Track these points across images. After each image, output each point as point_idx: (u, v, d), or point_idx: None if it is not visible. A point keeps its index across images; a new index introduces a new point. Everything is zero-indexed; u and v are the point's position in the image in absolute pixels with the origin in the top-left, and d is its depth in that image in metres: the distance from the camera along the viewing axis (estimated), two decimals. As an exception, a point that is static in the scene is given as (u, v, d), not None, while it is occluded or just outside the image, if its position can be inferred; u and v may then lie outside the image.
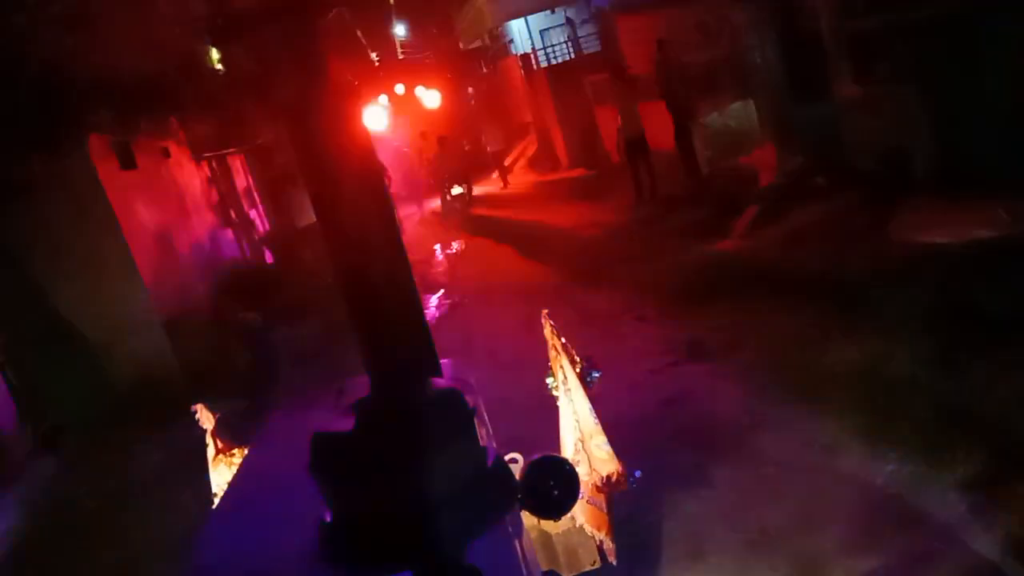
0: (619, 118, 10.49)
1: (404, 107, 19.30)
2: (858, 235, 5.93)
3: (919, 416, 3.65)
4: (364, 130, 1.14)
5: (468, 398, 0.97)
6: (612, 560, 2.77)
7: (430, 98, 18.88)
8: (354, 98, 1.14)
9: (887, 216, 5.88)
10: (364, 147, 1.11)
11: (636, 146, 10.23)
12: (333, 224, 1.06)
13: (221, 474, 2.27)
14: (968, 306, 4.41)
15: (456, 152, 16.86)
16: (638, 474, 2.84)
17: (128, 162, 8.02)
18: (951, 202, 5.61)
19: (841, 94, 7.39)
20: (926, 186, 6.05)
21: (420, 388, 0.95)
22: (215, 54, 7.63)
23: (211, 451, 2.38)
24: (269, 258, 11.70)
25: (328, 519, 0.90)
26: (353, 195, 1.05)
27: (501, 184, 17.96)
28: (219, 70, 7.48)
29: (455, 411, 0.89)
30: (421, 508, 0.84)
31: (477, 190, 17.47)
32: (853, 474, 3.43)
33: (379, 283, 1.05)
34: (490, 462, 0.92)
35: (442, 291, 9.17)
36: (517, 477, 1.81)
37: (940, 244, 5.24)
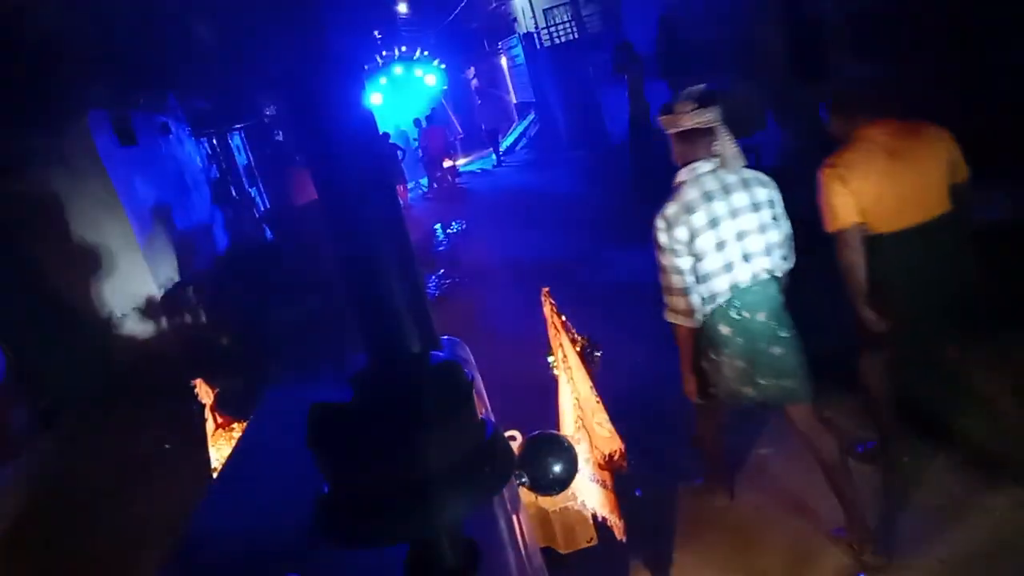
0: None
1: (405, 87, 19.48)
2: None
3: (917, 398, 3.65)
4: (364, 106, 1.12)
5: (466, 371, 0.96)
6: (621, 538, 2.77)
7: (429, 79, 19.02)
8: (355, 73, 1.12)
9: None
10: (365, 122, 1.10)
11: (639, 125, 10.18)
12: (333, 200, 1.05)
13: (221, 449, 2.27)
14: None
15: (440, 131, 17.04)
16: (630, 463, 2.84)
17: (127, 138, 7.98)
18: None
19: (843, 75, 7.34)
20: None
21: (419, 361, 0.94)
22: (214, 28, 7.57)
23: (210, 426, 2.39)
24: (269, 235, 11.68)
25: (325, 492, 0.89)
26: (353, 171, 1.04)
27: (495, 163, 18.16)
28: (218, 44, 7.43)
29: (454, 384, 0.88)
30: (419, 480, 0.83)
31: (473, 167, 17.72)
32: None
33: (378, 259, 1.03)
34: (488, 435, 0.91)
35: (442, 270, 9.16)
36: (515, 454, 1.82)
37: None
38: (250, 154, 12.64)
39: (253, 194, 12.17)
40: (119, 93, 7.45)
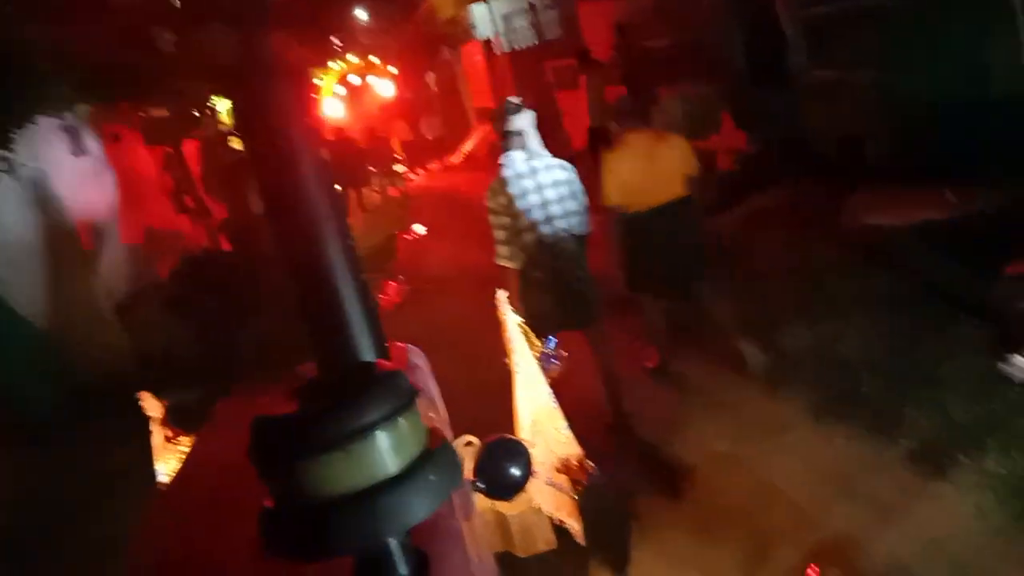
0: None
1: (361, 96, 19.35)
2: (813, 219, 6.04)
3: (868, 394, 3.75)
4: (314, 114, 1.11)
5: (415, 380, 0.97)
6: (581, 541, 2.81)
7: (384, 87, 18.90)
8: (303, 80, 1.12)
9: (842, 201, 5.99)
10: (313, 130, 1.10)
11: (597, 133, 10.25)
12: (279, 209, 1.05)
13: (168, 463, 2.24)
14: (916, 286, 4.53)
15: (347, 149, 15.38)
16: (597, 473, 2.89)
17: (78, 147, 7.82)
18: (903, 186, 5.73)
19: (799, 80, 7.49)
20: (880, 171, 6.17)
21: (364, 370, 0.94)
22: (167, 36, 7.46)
23: (158, 440, 2.35)
24: (226, 245, 11.51)
25: (269, 505, 0.89)
26: (299, 179, 1.04)
27: (440, 168, 18.31)
28: (171, 53, 7.31)
29: (397, 392, 0.88)
30: (361, 490, 0.83)
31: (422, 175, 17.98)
32: (803, 450, 3.51)
33: (326, 268, 1.03)
34: (435, 443, 0.92)
35: (400, 276, 9.12)
36: (472, 460, 1.82)
37: (890, 227, 5.35)
38: (206, 163, 12.45)
39: (210, 204, 11.99)
40: (69, 102, 7.29)
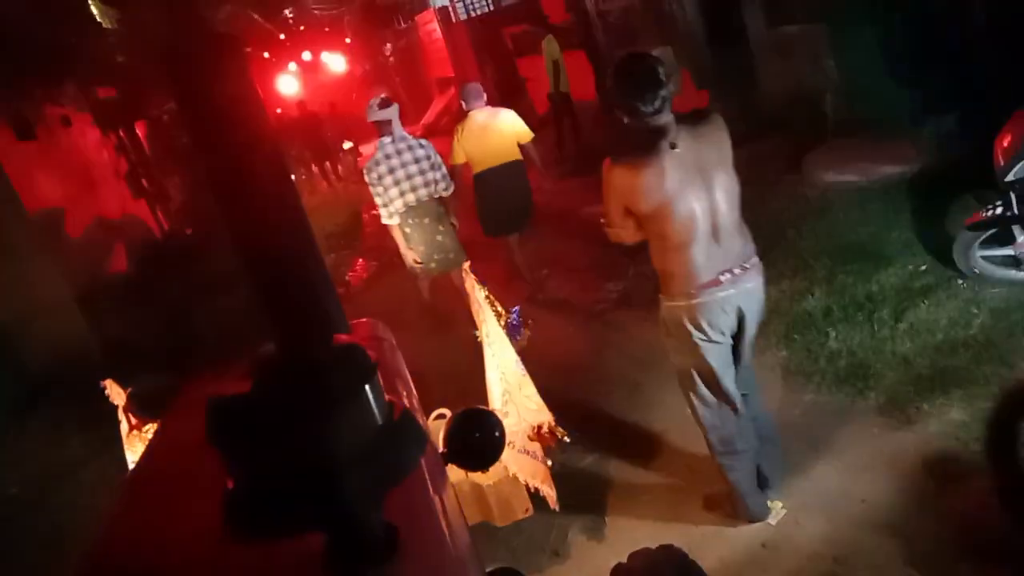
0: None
1: (315, 71, 18.98)
2: (772, 178, 6.06)
3: (832, 348, 3.80)
4: (254, 88, 1.08)
5: (379, 354, 0.94)
6: (554, 507, 2.83)
7: (335, 63, 18.56)
8: (240, 54, 1.08)
9: (800, 158, 6.02)
10: (254, 104, 1.05)
11: (560, 98, 10.18)
12: (225, 189, 1.01)
13: (135, 450, 2.20)
14: (877, 241, 4.58)
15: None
16: (570, 438, 2.90)
17: (25, 132, 7.57)
18: (861, 141, 5.78)
19: (756, 38, 7.48)
20: (838, 127, 6.22)
21: (320, 346, 0.92)
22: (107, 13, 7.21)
23: (124, 427, 2.30)
24: (187, 229, 11.30)
25: (232, 486, 0.86)
26: (244, 158, 1.00)
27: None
28: (113, 29, 7.07)
29: (354, 365, 0.86)
30: (324, 466, 0.81)
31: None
32: (771, 407, 3.55)
33: (278, 246, 1.00)
34: (397, 415, 0.90)
35: (366, 253, 9.03)
36: (444, 432, 1.81)
37: (850, 182, 5.40)
38: (161, 145, 12.16)
39: (168, 186, 11.73)
40: (12, 84, 7.03)
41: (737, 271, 2.56)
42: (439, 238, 5.21)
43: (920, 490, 2.82)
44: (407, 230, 5.13)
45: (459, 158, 5.37)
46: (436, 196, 5.13)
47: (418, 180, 5.02)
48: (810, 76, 6.65)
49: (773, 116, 7.03)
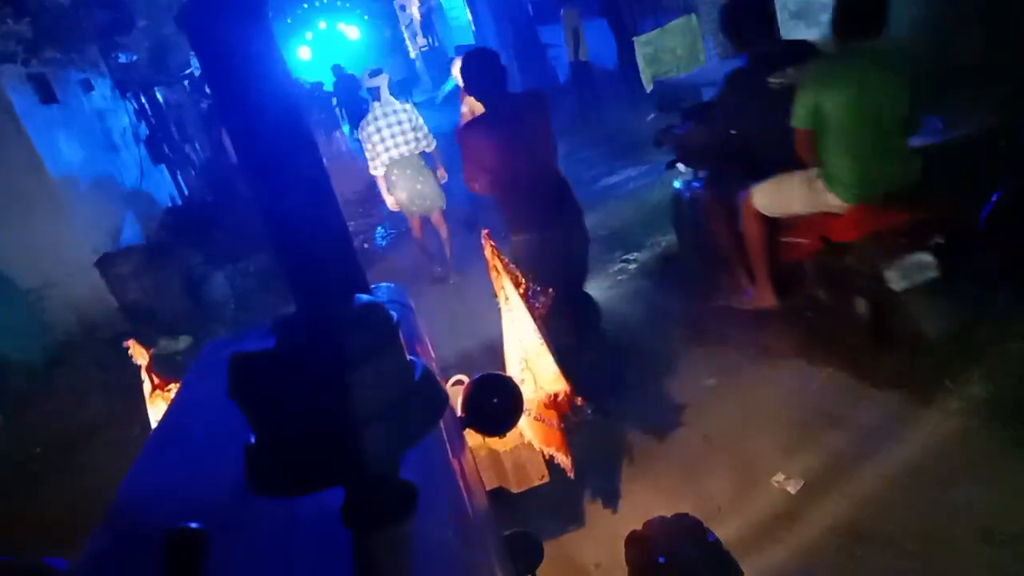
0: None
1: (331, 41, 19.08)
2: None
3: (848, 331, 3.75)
4: (280, 57, 1.07)
5: (394, 313, 0.94)
6: (569, 474, 2.84)
7: (351, 31, 18.64)
8: (265, 22, 1.07)
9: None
10: (281, 72, 1.05)
11: (580, 67, 10.07)
12: (250, 153, 1.00)
13: (159, 410, 2.22)
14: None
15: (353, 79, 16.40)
16: (588, 409, 2.91)
17: (47, 95, 7.60)
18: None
19: (782, 5, 7.31)
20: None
21: (342, 305, 0.91)
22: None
23: (147, 387, 2.33)
24: (208, 194, 11.34)
25: (252, 442, 0.87)
26: (269, 122, 0.99)
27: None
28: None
29: (376, 324, 0.86)
30: (345, 422, 0.81)
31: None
32: (789, 382, 3.53)
33: (300, 205, 0.99)
34: (417, 375, 0.90)
35: (386, 220, 9.05)
36: (462, 398, 1.81)
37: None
38: (183, 110, 12.16)
39: (188, 152, 11.75)
40: (35, 47, 7.04)
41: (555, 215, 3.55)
42: (419, 186, 6.10)
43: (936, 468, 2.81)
44: (392, 179, 6.07)
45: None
46: (418, 152, 6.09)
47: (400, 139, 5.96)
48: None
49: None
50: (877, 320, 3.31)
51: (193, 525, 0.89)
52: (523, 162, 3.46)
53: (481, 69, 3.49)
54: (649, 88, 9.42)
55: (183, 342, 6.32)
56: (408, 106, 6.13)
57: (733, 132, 3.89)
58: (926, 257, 3.09)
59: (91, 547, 1.22)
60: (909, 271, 3.09)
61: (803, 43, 3.81)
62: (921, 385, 3.20)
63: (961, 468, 2.75)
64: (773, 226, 3.67)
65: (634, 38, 9.23)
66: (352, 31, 19.65)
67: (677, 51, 9.01)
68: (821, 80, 3.19)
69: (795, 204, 3.48)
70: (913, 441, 2.95)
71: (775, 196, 3.54)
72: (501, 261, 2.70)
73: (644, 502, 3.06)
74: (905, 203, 3.20)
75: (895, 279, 3.10)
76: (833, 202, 3.30)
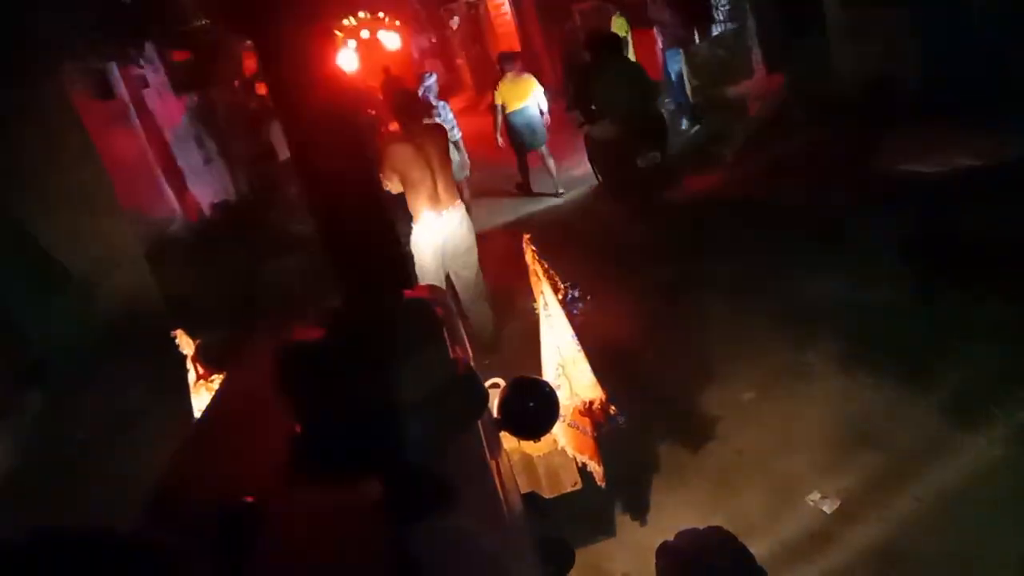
0: None
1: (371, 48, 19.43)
2: (842, 166, 5.89)
3: (896, 344, 3.70)
4: (336, 66, 1.11)
5: (439, 310, 0.96)
6: (601, 483, 2.83)
7: (390, 41, 18.95)
8: (327, 34, 1.11)
9: (873, 146, 5.83)
10: (337, 82, 1.09)
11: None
12: (305, 156, 1.04)
13: (203, 399, 2.28)
14: (949, 235, 4.42)
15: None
16: (622, 418, 2.90)
17: (105, 91, 7.81)
18: (937, 130, 5.56)
19: (831, 22, 7.23)
20: (912, 114, 5.99)
21: (390, 299, 0.94)
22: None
23: (192, 377, 2.39)
24: (253, 192, 11.54)
25: (298, 430, 0.90)
26: (325, 128, 1.03)
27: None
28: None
29: (423, 319, 0.88)
30: (389, 413, 0.84)
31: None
32: (829, 400, 3.48)
33: (351, 210, 1.03)
34: (461, 371, 0.92)
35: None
36: (498, 400, 1.83)
37: (924, 173, 5.21)
38: (232, 109, 12.41)
39: (237, 150, 11.98)
40: (95, 46, 7.26)
41: (444, 212, 4.62)
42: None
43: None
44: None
45: (498, 100, 8.26)
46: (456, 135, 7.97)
47: (447, 125, 7.39)
48: (884, 61, 6.41)
49: (843, 101, 6.80)
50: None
51: (247, 498, 0.92)
52: (427, 171, 4.66)
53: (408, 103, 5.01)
54: (694, 100, 9.41)
55: (227, 334, 6.41)
56: (444, 104, 8.03)
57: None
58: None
59: (145, 520, 1.25)
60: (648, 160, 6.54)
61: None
62: (966, 410, 3.13)
63: (1002, 495, 2.69)
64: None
65: (691, 48, 9.28)
66: (392, 40, 19.92)
67: (723, 63, 9.03)
68: None
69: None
70: (954, 466, 2.89)
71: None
72: (541, 266, 2.71)
73: (675, 515, 3.04)
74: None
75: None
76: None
